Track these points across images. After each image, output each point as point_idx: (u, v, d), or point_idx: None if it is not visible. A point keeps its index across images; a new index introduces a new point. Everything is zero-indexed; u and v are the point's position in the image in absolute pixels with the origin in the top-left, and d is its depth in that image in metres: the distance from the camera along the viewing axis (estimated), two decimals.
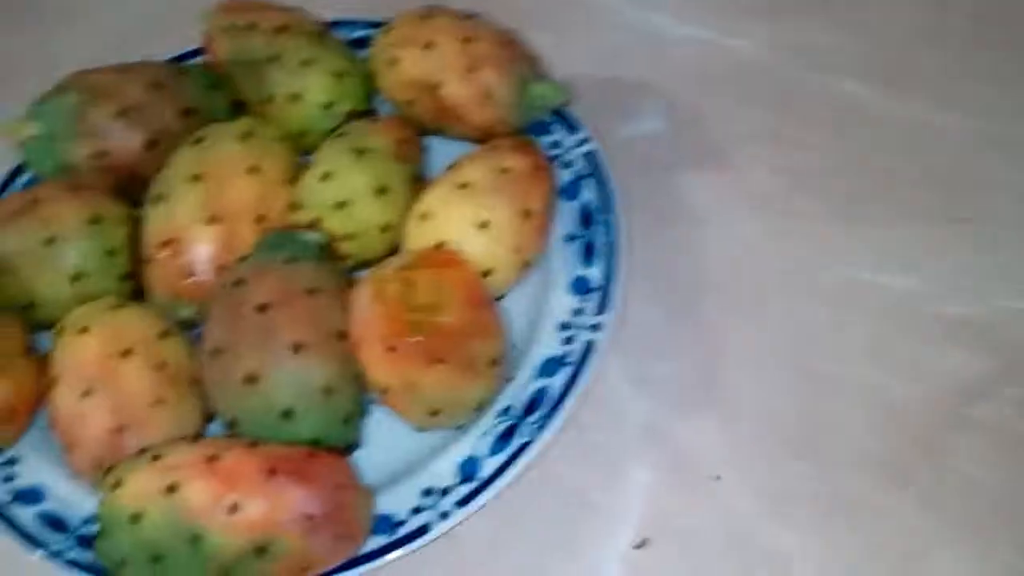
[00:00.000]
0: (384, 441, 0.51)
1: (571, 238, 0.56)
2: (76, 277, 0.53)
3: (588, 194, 0.57)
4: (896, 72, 0.66)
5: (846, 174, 0.61)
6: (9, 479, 0.52)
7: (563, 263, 0.55)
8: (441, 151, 0.59)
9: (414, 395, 0.48)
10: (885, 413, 0.52)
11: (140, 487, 0.43)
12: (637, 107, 0.66)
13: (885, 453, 0.51)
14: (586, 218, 0.56)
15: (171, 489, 0.43)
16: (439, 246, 0.51)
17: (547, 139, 0.59)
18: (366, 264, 0.56)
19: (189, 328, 0.54)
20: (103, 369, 0.49)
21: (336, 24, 0.65)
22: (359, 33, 0.65)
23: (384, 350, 0.47)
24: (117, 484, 0.44)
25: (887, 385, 0.53)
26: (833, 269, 0.58)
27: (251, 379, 0.48)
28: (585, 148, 0.58)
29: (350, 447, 0.50)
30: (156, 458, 0.44)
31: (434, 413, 0.48)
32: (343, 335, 0.49)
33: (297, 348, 0.48)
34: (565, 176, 0.58)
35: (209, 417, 0.51)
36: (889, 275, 0.57)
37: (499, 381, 0.50)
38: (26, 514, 0.50)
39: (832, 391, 0.53)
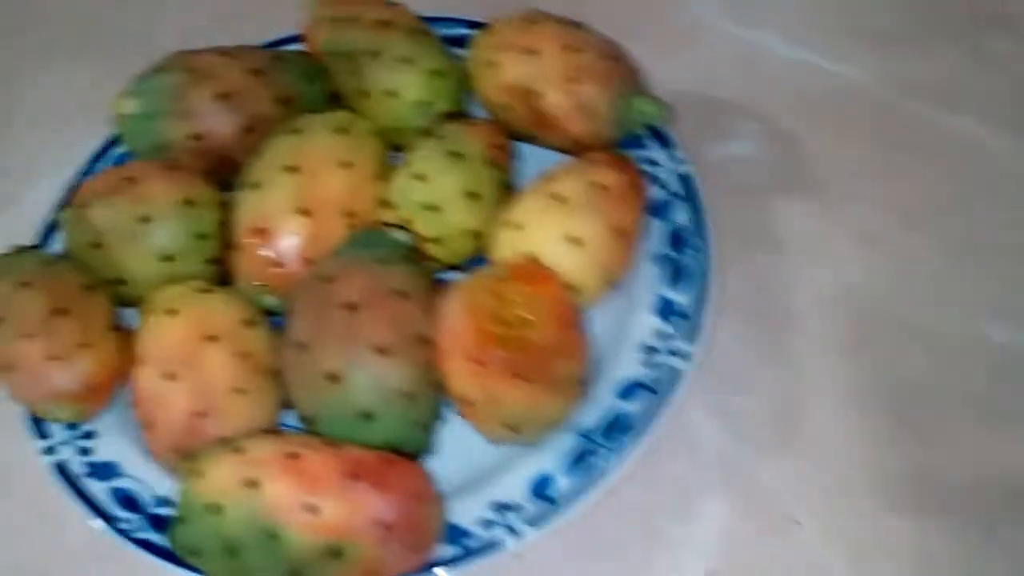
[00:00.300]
0: (455, 449, 0.51)
1: (660, 258, 0.55)
2: (165, 257, 0.54)
3: (680, 215, 0.56)
4: (1016, 110, 0.63)
5: (960, 215, 0.59)
6: (86, 452, 0.52)
7: (650, 283, 0.54)
8: (532, 158, 0.59)
9: (495, 410, 0.47)
10: (987, 474, 0.50)
11: (221, 479, 0.44)
12: (733, 128, 0.65)
13: (983, 516, 0.49)
14: (676, 240, 0.55)
15: (252, 484, 0.43)
16: (529, 258, 0.51)
17: (641, 154, 0.58)
18: (451, 268, 0.56)
19: (270, 316, 0.54)
20: (187, 353, 0.49)
21: (432, 20, 0.64)
22: (455, 31, 0.65)
23: (470, 362, 0.46)
24: (198, 473, 0.44)
25: (992, 446, 0.51)
26: (941, 315, 0.55)
27: (333, 377, 0.48)
28: (680, 168, 0.58)
29: (424, 453, 0.50)
30: (238, 450, 0.45)
31: (512, 429, 0.48)
32: (427, 340, 0.49)
33: (381, 350, 0.48)
34: (657, 194, 0.57)
35: (285, 407, 0.52)
36: (1002, 327, 0.55)
37: (580, 400, 0.49)
38: (99, 488, 0.51)
39: (931, 446, 0.51)
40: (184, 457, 0.49)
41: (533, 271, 0.49)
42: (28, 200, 0.68)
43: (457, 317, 0.47)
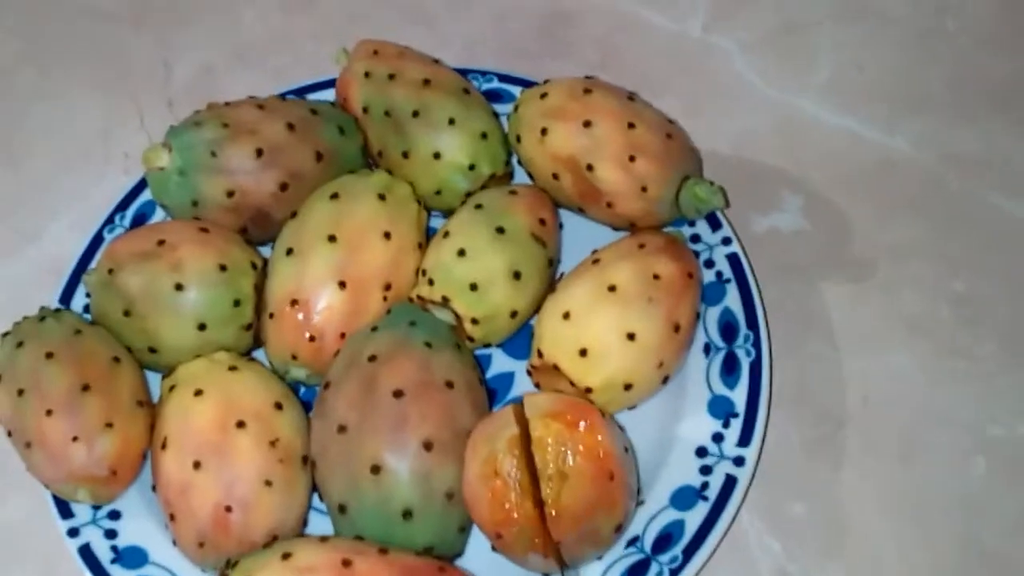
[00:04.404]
0: (498, 559, 0.48)
1: (711, 349, 0.53)
2: (202, 326, 0.51)
3: (730, 302, 0.54)
4: None
5: (1016, 308, 0.57)
6: (111, 534, 0.50)
7: (701, 377, 0.52)
8: (576, 227, 0.57)
9: (522, 565, 0.46)
10: None
11: None
12: (773, 199, 0.62)
13: None
14: (728, 329, 0.53)
15: None
16: (582, 352, 0.49)
17: (686, 231, 0.57)
18: (486, 346, 0.54)
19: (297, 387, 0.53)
20: (215, 440, 0.47)
21: (465, 72, 0.62)
22: (490, 86, 0.63)
23: (490, 531, 0.45)
24: None
25: None
26: (1006, 424, 0.53)
27: (375, 468, 0.46)
28: (727, 249, 0.56)
29: (457, 556, 0.48)
30: (287, 556, 0.42)
31: (545, 574, 0.47)
32: (469, 435, 0.47)
33: (427, 445, 0.46)
34: (705, 276, 0.55)
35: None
36: None
37: (615, 544, 0.48)
38: None
39: (998, 569, 0.49)
40: (214, 553, 0.47)
41: (576, 414, 0.46)
42: (47, 237, 0.65)
43: (477, 479, 0.45)
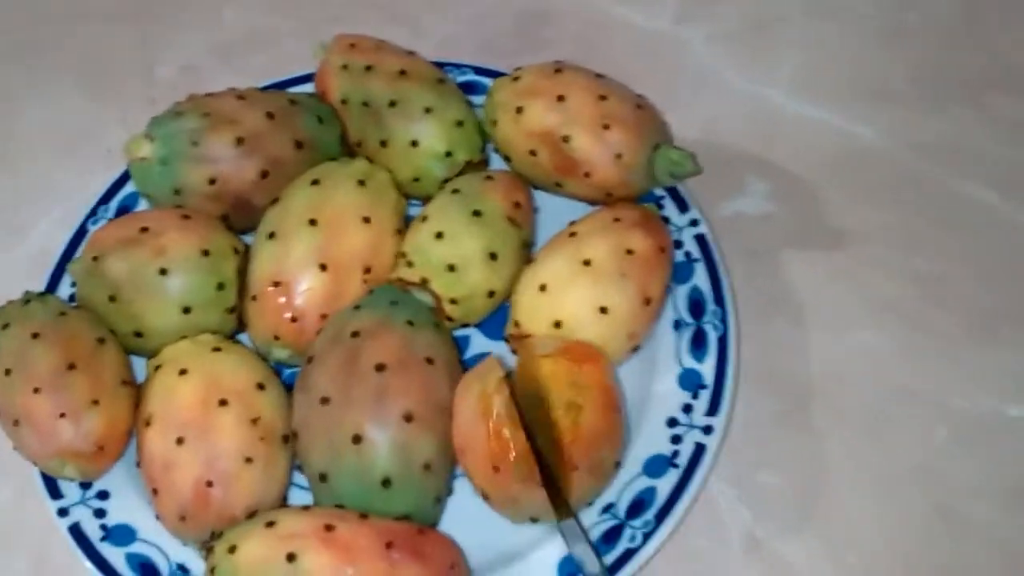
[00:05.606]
0: (481, 526, 0.49)
1: (680, 325, 0.55)
2: (187, 309, 0.52)
3: (698, 280, 0.56)
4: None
5: (975, 285, 0.59)
6: (100, 513, 0.51)
7: (671, 351, 0.54)
8: (551, 209, 0.58)
9: (513, 506, 0.47)
10: (1018, 565, 0.50)
11: (258, 554, 0.43)
12: (742, 184, 0.64)
13: None
14: (696, 306, 0.55)
15: (291, 558, 0.43)
16: (556, 324, 0.50)
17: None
18: (463, 325, 0.55)
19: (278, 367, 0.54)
20: (198, 417, 0.48)
21: (441, 66, 0.63)
22: (465, 78, 0.64)
23: (486, 466, 0.46)
24: (232, 549, 0.43)
25: (1017, 531, 0.51)
26: (966, 396, 0.55)
27: (356, 438, 0.47)
28: (695, 230, 0.57)
29: (433, 526, 0.49)
30: (270, 525, 0.44)
31: (533, 519, 0.48)
32: (447, 410, 0.49)
33: (408, 417, 0.47)
34: (675, 256, 0.57)
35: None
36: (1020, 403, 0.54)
37: (609, 483, 0.49)
38: (117, 555, 0.50)
39: (960, 531, 0.51)
40: (195, 527, 0.48)
41: (583, 351, 0.48)
42: (31, 233, 0.66)
43: (470, 419, 0.47)
